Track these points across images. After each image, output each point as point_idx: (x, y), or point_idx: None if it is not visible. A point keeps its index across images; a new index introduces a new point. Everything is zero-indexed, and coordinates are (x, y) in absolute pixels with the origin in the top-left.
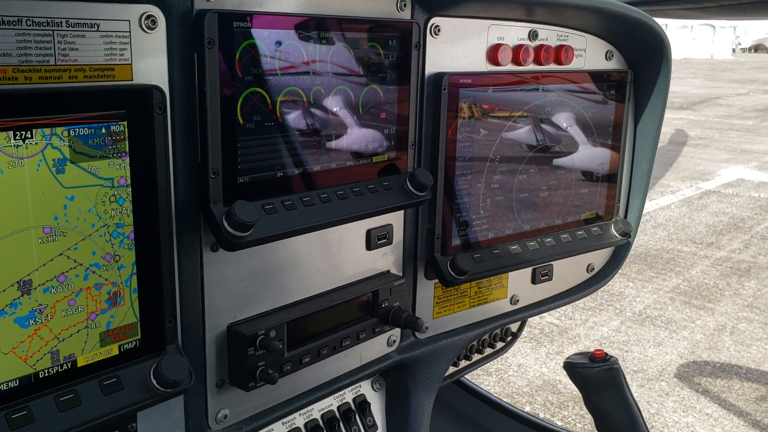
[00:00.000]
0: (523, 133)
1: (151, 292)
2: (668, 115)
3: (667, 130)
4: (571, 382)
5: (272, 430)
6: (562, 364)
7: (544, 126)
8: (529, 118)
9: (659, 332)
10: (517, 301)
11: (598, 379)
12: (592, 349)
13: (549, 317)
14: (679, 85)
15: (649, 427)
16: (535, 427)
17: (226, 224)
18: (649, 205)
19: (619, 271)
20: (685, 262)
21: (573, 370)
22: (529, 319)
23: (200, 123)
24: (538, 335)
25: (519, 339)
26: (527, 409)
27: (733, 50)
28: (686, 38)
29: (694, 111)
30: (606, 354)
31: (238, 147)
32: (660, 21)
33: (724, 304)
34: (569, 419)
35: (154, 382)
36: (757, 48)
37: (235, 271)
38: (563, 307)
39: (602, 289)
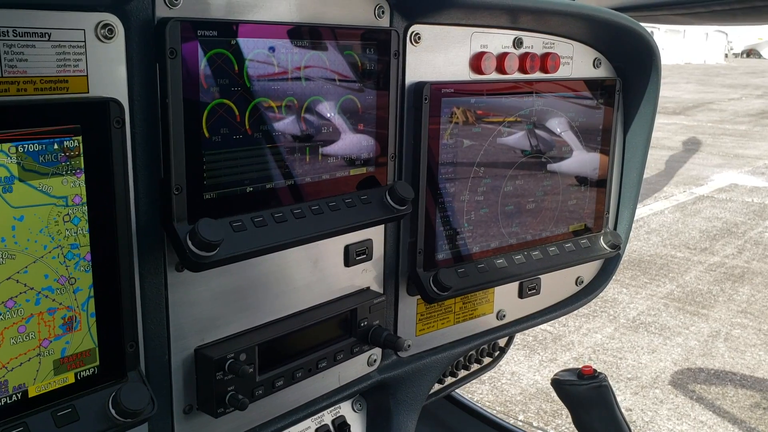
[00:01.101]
0: (510, 142)
1: (110, 315)
2: (662, 120)
3: (660, 135)
4: None
5: None
6: (550, 381)
7: (530, 135)
8: (516, 127)
9: (653, 339)
10: (504, 316)
11: (586, 396)
12: (581, 365)
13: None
14: (673, 90)
15: None
16: None
17: (190, 243)
18: (643, 211)
19: (613, 277)
20: (678, 268)
21: (561, 387)
22: None
23: (163, 137)
24: (531, 342)
25: (513, 346)
26: (521, 417)
27: (726, 55)
28: (679, 44)
29: (687, 116)
30: (595, 371)
31: (204, 161)
32: (649, 26)
33: (718, 310)
34: (562, 428)
35: (113, 412)
36: (749, 53)
37: (203, 291)
38: None
39: None
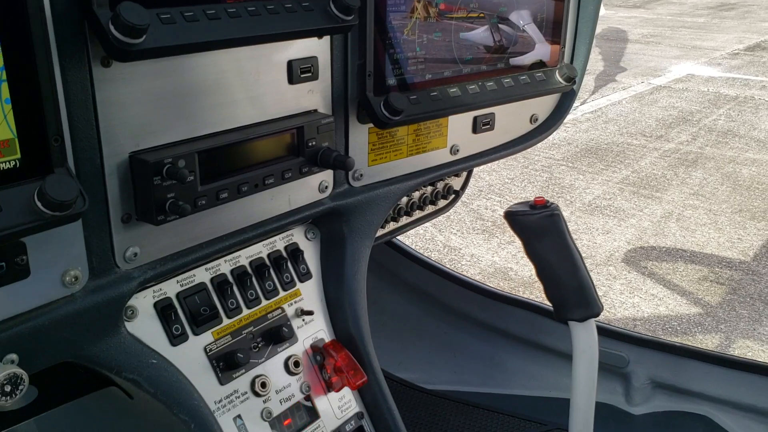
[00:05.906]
0: None
1: (28, 104)
2: (622, 13)
3: (620, 28)
4: (519, 270)
5: (194, 275)
6: (503, 214)
7: None
8: None
9: (608, 221)
10: (458, 151)
11: (538, 225)
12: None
13: (500, 209)
14: None
15: None
16: (474, 289)
17: (113, 28)
18: (601, 101)
19: (570, 164)
20: (634, 155)
21: (513, 218)
22: (481, 212)
23: None
24: (490, 227)
25: (471, 231)
26: None
27: None
28: None
29: (647, 9)
30: (547, 201)
31: None
32: None
33: (672, 193)
34: None
35: (39, 204)
36: None
37: (134, 92)
38: (514, 199)
39: (552, 182)
